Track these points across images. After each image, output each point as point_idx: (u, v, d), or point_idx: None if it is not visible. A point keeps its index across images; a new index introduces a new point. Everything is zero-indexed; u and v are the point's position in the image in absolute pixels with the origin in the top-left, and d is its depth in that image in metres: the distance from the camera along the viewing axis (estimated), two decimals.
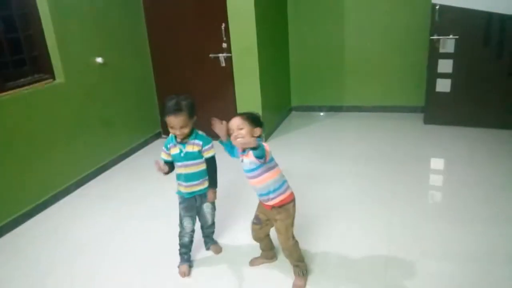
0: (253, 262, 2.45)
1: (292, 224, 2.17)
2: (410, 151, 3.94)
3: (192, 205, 2.37)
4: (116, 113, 4.18)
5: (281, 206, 2.11)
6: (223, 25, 4.16)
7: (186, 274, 2.38)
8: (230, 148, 2.16)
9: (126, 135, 4.36)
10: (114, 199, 3.46)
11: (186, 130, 2.18)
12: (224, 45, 4.26)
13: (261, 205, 2.22)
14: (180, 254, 2.43)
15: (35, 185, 3.26)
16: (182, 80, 4.57)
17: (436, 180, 3.54)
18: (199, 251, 2.59)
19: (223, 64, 4.35)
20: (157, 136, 4.81)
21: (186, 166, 2.26)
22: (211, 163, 2.32)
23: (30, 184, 3.22)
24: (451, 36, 4.17)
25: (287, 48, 5.23)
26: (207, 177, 2.34)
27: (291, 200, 2.14)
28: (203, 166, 2.30)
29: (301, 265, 2.25)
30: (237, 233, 2.74)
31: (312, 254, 2.46)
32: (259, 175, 2.06)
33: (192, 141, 2.24)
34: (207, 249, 2.61)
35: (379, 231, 2.67)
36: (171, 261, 2.46)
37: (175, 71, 4.60)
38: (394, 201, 3.05)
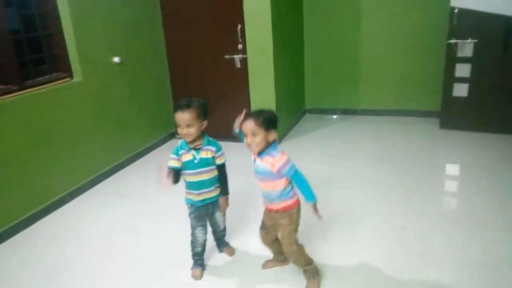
0: (265, 265, 2.45)
1: (295, 230, 2.14)
2: (425, 156, 3.90)
3: (204, 214, 2.34)
4: (132, 113, 4.22)
5: (284, 211, 2.10)
6: (239, 26, 4.17)
7: (199, 277, 2.39)
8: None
9: (141, 134, 4.40)
10: (128, 198, 3.48)
11: (192, 130, 2.11)
12: (240, 46, 4.26)
13: (265, 210, 2.22)
14: (193, 259, 2.43)
15: (50, 182, 3.30)
16: (197, 80, 4.59)
17: (450, 186, 3.49)
18: (212, 254, 2.59)
19: (238, 65, 4.35)
20: (172, 136, 4.84)
21: (199, 173, 2.22)
22: (222, 170, 2.29)
23: (45, 182, 3.26)
24: (469, 40, 4.11)
25: (302, 50, 5.22)
26: (218, 184, 2.30)
27: (296, 206, 2.11)
28: (215, 173, 2.27)
29: (309, 269, 2.23)
30: (249, 236, 2.73)
31: (325, 259, 2.45)
32: (270, 180, 2.04)
33: (206, 147, 2.20)
34: (220, 251, 2.61)
35: (393, 237, 2.65)
36: (183, 262, 2.47)
37: (191, 71, 4.62)
38: (408, 206, 3.02)
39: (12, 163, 2.99)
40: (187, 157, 2.19)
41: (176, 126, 2.16)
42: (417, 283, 2.23)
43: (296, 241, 2.16)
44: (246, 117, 2.00)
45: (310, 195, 2.01)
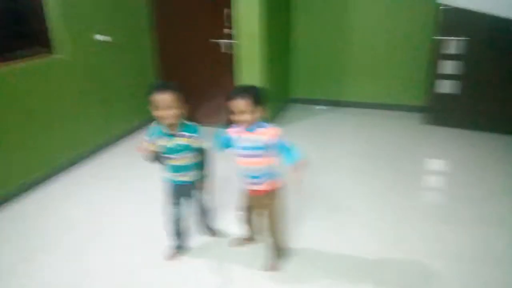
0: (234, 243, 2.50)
1: (283, 207, 2.20)
2: (407, 150, 3.94)
3: (180, 193, 2.27)
4: (116, 93, 4.15)
5: (272, 191, 2.11)
6: (227, 10, 4.11)
7: (170, 257, 2.37)
8: (225, 143, 2.11)
9: (125, 116, 4.34)
10: (109, 179, 3.45)
11: (172, 112, 2.00)
12: (226, 31, 4.22)
13: (248, 194, 2.21)
14: (169, 238, 2.41)
15: (29, 160, 3.24)
16: (184, 63, 4.54)
17: (431, 180, 3.54)
18: (194, 236, 2.57)
19: (225, 51, 4.31)
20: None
21: (175, 158, 2.15)
22: (202, 153, 2.20)
23: (24, 159, 3.20)
24: (455, 37, 4.14)
25: (289, 39, 5.19)
26: (197, 167, 2.23)
27: (281, 184, 2.16)
28: (193, 157, 2.19)
29: (283, 248, 2.32)
30: (231, 219, 2.70)
31: (302, 246, 2.47)
32: (261, 156, 2.02)
33: (180, 133, 2.11)
34: (203, 233, 2.59)
35: (371, 227, 2.68)
36: (161, 243, 2.47)
37: (177, 54, 4.56)
38: (388, 198, 3.05)
39: None
40: (162, 142, 2.13)
41: (154, 108, 2.05)
42: (393, 274, 2.26)
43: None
44: (233, 96, 1.96)
45: (300, 155, 2.01)
